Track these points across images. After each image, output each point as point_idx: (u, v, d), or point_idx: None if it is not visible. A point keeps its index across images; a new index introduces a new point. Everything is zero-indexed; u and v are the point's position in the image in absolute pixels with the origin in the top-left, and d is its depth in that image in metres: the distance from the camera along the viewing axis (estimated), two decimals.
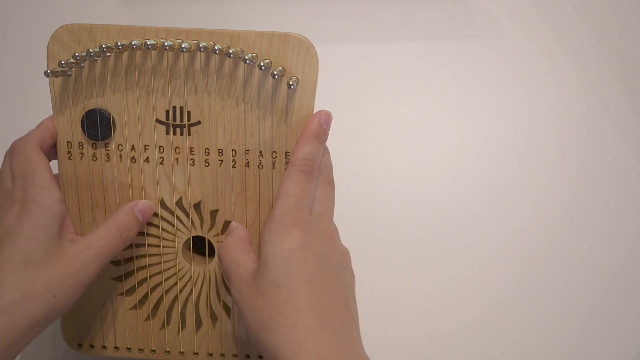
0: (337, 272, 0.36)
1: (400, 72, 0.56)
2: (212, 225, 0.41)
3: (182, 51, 0.37)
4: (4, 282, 0.35)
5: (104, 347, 0.43)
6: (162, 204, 0.41)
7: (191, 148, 0.40)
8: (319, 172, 0.39)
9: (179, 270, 0.42)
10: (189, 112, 0.40)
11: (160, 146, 0.40)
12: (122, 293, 0.43)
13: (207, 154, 0.40)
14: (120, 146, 0.40)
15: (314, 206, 0.38)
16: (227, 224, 0.41)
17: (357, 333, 0.35)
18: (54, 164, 0.42)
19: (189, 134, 0.40)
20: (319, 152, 0.39)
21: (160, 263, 0.42)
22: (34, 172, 0.38)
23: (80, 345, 0.44)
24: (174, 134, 0.40)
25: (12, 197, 0.37)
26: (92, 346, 0.43)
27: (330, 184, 0.40)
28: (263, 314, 0.34)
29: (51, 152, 0.41)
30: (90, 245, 0.38)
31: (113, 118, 0.40)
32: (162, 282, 0.42)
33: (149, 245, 0.42)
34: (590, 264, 0.51)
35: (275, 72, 0.37)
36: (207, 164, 0.40)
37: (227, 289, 0.42)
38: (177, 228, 0.42)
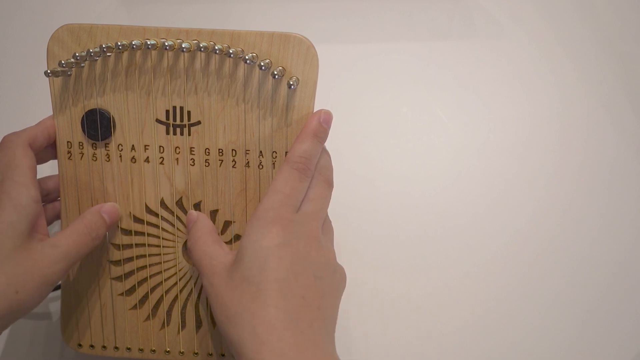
0: (314, 274, 0.36)
1: (400, 72, 0.56)
2: None
3: (183, 51, 0.37)
4: None
5: (104, 347, 0.43)
6: (162, 204, 0.41)
7: (191, 148, 0.40)
8: (318, 171, 0.39)
9: (179, 270, 0.42)
10: (189, 112, 0.40)
11: (160, 146, 0.40)
12: (122, 293, 0.43)
13: (207, 154, 0.40)
14: (120, 146, 0.40)
15: (304, 205, 0.38)
16: (227, 223, 0.41)
17: (328, 335, 0.35)
18: (53, 163, 0.42)
19: (189, 134, 0.40)
20: (317, 151, 0.38)
21: (160, 263, 0.42)
22: (15, 168, 0.37)
23: (80, 345, 0.44)
24: (174, 133, 0.40)
25: None
26: (92, 346, 0.43)
27: (328, 184, 0.39)
28: (231, 308, 0.34)
29: (49, 151, 0.41)
30: (58, 243, 0.37)
31: (113, 118, 0.40)
32: (162, 282, 0.42)
33: (149, 245, 0.42)
34: (590, 264, 0.51)
35: (275, 72, 0.37)
36: (207, 164, 0.40)
37: None
38: (177, 228, 0.42)
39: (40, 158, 0.41)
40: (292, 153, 0.38)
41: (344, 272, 0.39)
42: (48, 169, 0.44)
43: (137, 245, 0.42)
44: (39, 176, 0.43)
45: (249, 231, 0.36)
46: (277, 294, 0.34)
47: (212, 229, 0.40)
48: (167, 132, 0.40)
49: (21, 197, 0.37)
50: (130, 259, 0.42)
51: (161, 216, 0.41)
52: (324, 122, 0.38)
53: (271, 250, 0.35)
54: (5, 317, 0.35)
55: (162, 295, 0.43)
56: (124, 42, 0.37)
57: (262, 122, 0.39)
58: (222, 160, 0.40)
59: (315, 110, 0.39)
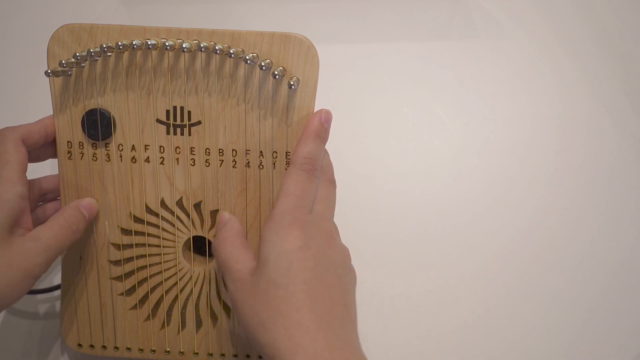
0: (336, 273, 0.36)
1: (400, 72, 0.56)
2: (213, 225, 0.41)
3: (183, 51, 0.37)
4: None
5: (104, 347, 0.43)
6: (163, 204, 0.41)
7: (192, 148, 0.40)
8: (321, 172, 0.39)
9: (179, 270, 0.42)
10: (189, 112, 0.40)
11: (160, 146, 0.40)
12: (122, 293, 0.43)
13: (207, 154, 0.40)
14: (120, 146, 0.40)
15: (315, 206, 0.38)
16: None
17: (355, 333, 0.36)
18: (53, 163, 0.42)
19: (190, 134, 0.40)
20: (321, 151, 0.39)
21: (160, 263, 0.42)
22: (4, 164, 0.38)
23: (80, 345, 0.44)
24: (175, 133, 0.40)
25: None
26: (92, 346, 0.43)
27: (332, 183, 0.40)
28: (262, 313, 0.34)
29: (47, 150, 0.41)
30: (39, 237, 0.37)
31: (113, 118, 0.40)
32: (162, 282, 0.42)
33: (149, 245, 0.42)
34: (591, 263, 0.51)
35: (276, 72, 0.37)
36: (207, 164, 0.40)
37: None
38: (177, 228, 0.42)
39: (38, 156, 0.41)
40: (297, 155, 0.38)
41: (354, 269, 0.39)
42: (48, 168, 0.44)
43: (137, 245, 0.42)
44: (38, 176, 0.43)
45: (269, 236, 0.36)
46: (306, 295, 0.34)
47: (241, 232, 0.40)
48: (168, 132, 0.40)
49: (7, 193, 0.37)
50: (130, 259, 0.42)
51: (161, 216, 0.41)
52: (324, 122, 0.39)
53: (294, 252, 0.35)
54: None
55: (162, 295, 0.43)
56: (125, 42, 0.37)
57: (263, 122, 0.39)
58: (223, 161, 0.40)
59: (315, 110, 0.39)
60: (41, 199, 0.43)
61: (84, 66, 0.39)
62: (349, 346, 0.34)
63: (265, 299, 0.34)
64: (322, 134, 0.38)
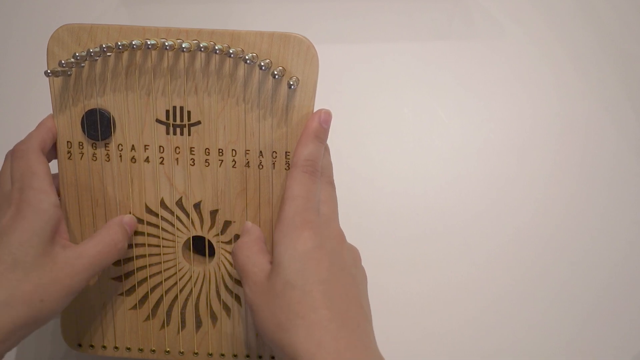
0: (350, 272, 0.36)
1: (400, 73, 0.56)
2: (212, 225, 0.41)
3: (183, 51, 0.37)
4: None
5: (104, 347, 0.43)
6: (162, 204, 0.41)
7: (191, 148, 0.40)
8: (321, 174, 0.39)
9: (179, 270, 0.42)
10: (189, 112, 0.40)
11: (160, 146, 0.40)
12: (122, 293, 0.43)
13: (207, 154, 0.40)
14: (120, 146, 0.40)
15: (321, 207, 0.38)
16: (227, 223, 0.41)
17: (372, 332, 0.36)
18: (53, 163, 0.42)
19: (189, 134, 0.40)
20: (321, 152, 0.39)
21: (160, 263, 0.42)
22: (32, 175, 0.38)
23: (80, 345, 0.44)
24: (174, 133, 0.40)
25: (9, 199, 0.37)
26: (92, 346, 0.43)
27: (331, 184, 0.40)
28: (280, 315, 0.34)
29: (51, 152, 0.41)
30: (84, 254, 0.38)
31: (113, 118, 0.40)
32: (162, 282, 0.42)
33: (149, 245, 0.42)
34: (590, 263, 0.51)
35: (275, 72, 0.37)
36: (207, 164, 0.40)
37: (227, 289, 0.42)
38: (177, 228, 0.42)
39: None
40: (297, 157, 0.38)
41: (364, 269, 0.40)
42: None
43: (137, 245, 0.42)
44: None
45: (281, 239, 0.36)
46: (323, 295, 0.34)
47: (260, 238, 0.40)
48: (167, 132, 0.40)
49: (42, 204, 0.37)
50: (130, 259, 0.42)
51: (161, 216, 0.41)
52: (323, 123, 0.39)
53: (308, 253, 0.35)
54: (29, 326, 0.36)
55: (162, 295, 0.43)
56: (124, 42, 0.37)
57: (262, 122, 0.39)
58: (222, 160, 0.40)
59: (315, 110, 0.39)
60: None
61: (83, 66, 0.39)
62: (367, 345, 0.34)
63: (282, 301, 0.34)
64: (321, 134, 0.38)
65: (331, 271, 0.35)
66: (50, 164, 0.42)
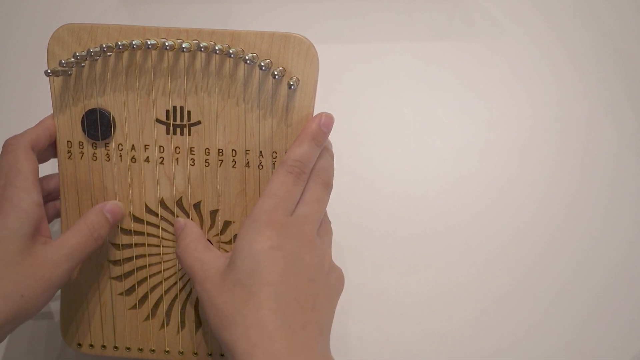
0: (307, 276, 0.35)
1: (400, 73, 0.56)
2: (212, 225, 0.41)
3: (183, 51, 0.37)
4: None
5: (104, 346, 0.43)
6: (162, 204, 0.41)
7: (191, 148, 0.40)
8: (316, 173, 0.38)
9: (179, 270, 0.42)
10: (189, 112, 0.40)
11: (160, 146, 0.40)
12: (122, 293, 0.43)
13: (207, 154, 0.40)
14: (120, 146, 0.40)
15: (299, 207, 0.37)
16: (227, 224, 0.41)
17: (321, 336, 0.35)
18: (53, 163, 0.42)
19: (189, 134, 0.40)
20: (314, 154, 0.38)
21: (160, 263, 0.42)
22: (17, 173, 0.37)
23: (79, 345, 0.44)
24: (174, 133, 0.40)
25: None
26: (91, 346, 0.43)
27: (326, 186, 0.39)
28: (224, 311, 0.34)
29: (50, 150, 0.41)
30: (62, 245, 0.38)
31: (113, 118, 0.40)
32: (161, 281, 0.42)
33: (148, 245, 0.42)
34: (590, 263, 0.51)
35: (275, 72, 0.37)
36: (207, 164, 0.40)
37: None
38: None
39: (41, 158, 0.41)
40: (287, 156, 0.38)
41: (342, 273, 0.39)
42: (48, 168, 0.44)
43: (136, 245, 0.42)
44: (39, 175, 0.43)
45: (243, 234, 0.36)
46: (270, 296, 0.34)
47: (200, 235, 0.40)
48: (167, 132, 0.40)
49: (23, 203, 0.37)
50: (130, 259, 0.42)
51: (161, 216, 0.41)
52: (323, 126, 0.38)
53: (264, 253, 0.35)
54: (12, 322, 0.36)
55: (162, 295, 0.43)
56: (125, 42, 0.37)
57: (262, 122, 0.39)
58: (222, 161, 0.40)
59: (315, 111, 0.39)
60: (44, 199, 0.43)
61: (83, 66, 0.39)
62: (311, 348, 0.33)
63: (229, 298, 0.34)
64: (319, 137, 0.38)
65: (284, 274, 0.34)
66: (50, 163, 0.43)
